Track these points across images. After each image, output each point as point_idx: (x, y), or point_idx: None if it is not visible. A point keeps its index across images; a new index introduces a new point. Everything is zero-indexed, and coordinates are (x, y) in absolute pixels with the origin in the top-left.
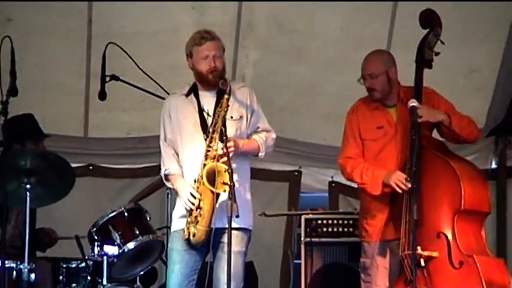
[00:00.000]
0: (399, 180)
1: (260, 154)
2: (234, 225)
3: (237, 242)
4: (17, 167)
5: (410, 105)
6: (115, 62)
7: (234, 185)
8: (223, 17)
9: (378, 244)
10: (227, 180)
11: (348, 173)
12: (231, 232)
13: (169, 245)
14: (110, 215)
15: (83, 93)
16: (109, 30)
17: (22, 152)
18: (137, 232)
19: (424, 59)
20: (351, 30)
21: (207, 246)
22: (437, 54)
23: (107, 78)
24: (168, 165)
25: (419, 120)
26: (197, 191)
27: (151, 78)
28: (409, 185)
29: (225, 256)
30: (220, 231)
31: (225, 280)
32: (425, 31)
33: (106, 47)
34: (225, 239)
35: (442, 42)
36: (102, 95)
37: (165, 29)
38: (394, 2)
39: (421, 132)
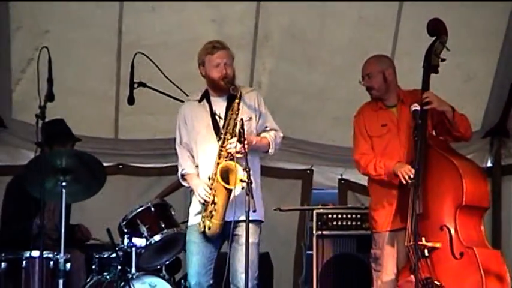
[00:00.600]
0: (406, 173)
1: (270, 151)
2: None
3: (251, 234)
4: (54, 166)
5: (413, 109)
6: (142, 70)
7: (251, 182)
8: (242, 29)
9: (387, 234)
10: (240, 176)
11: (363, 167)
12: (248, 226)
13: (187, 238)
14: (138, 210)
15: (114, 99)
16: (137, 41)
17: (58, 153)
18: (163, 225)
19: (431, 65)
20: (358, 40)
21: (221, 238)
22: (443, 60)
23: (135, 85)
24: (184, 165)
25: (427, 107)
26: (211, 187)
27: (175, 85)
28: (411, 180)
29: (240, 247)
30: (234, 226)
31: (241, 269)
32: (430, 41)
33: (134, 57)
34: (238, 231)
35: (448, 49)
36: (131, 100)
37: (187, 39)
38: (398, 15)
39: (427, 132)
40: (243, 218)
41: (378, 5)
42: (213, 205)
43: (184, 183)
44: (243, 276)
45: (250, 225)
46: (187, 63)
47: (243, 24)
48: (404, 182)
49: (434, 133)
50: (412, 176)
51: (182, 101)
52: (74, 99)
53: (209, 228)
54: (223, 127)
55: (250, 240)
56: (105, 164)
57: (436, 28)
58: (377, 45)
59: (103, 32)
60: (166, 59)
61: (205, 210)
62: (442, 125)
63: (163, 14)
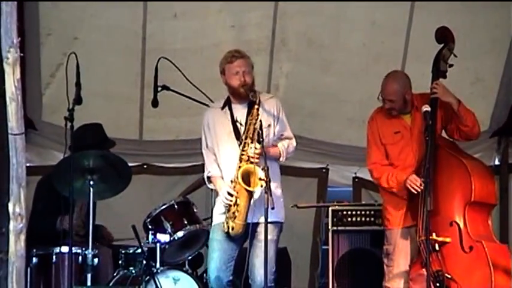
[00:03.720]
0: (413, 183)
1: (281, 159)
2: (269, 219)
3: (269, 231)
4: (82, 167)
5: (424, 109)
6: (166, 74)
7: (269, 180)
8: (260, 34)
9: (399, 231)
10: (259, 175)
11: (376, 178)
12: (267, 221)
13: (210, 235)
14: (162, 207)
15: (138, 102)
16: (160, 47)
17: (86, 154)
18: (186, 222)
19: (439, 70)
20: (372, 45)
21: (243, 237)
22: (450, 66)
23: (159, 88)
24: (210, 168)
25: (433, 95)
26: (234, 190)
27: (197, 88)
28: (422, 187)
29: (259, 244)
30: (255, 225)
31: (258, 264)
32: (439, 46)
33: (158, 61)
34: (257, 229)
35: (455, 55)
36: (155, 103)
37: (208, 45)
38: (409, 20)
39: (436, 133)
40: (262, 220)
41: (390, 11)
42: (235, 206)
43: (210, 185)
44: (260, 271)
45: (269, 225)
46: (208, 68)
47: (261, 29)
48: (415, 192)
49: (444, 133)
50: (419, 184)
51: (204, 104)
52: (100, 102)
53: (232, 229)
54: (243, 132)
55: (269, 237)
56: (130, 164)
57: (444, 36)
58: (389, 49)
59: (128, 39)
60: (188, 63)
61: (229, 211)
62: (451, 124)
63: (185, 20)
